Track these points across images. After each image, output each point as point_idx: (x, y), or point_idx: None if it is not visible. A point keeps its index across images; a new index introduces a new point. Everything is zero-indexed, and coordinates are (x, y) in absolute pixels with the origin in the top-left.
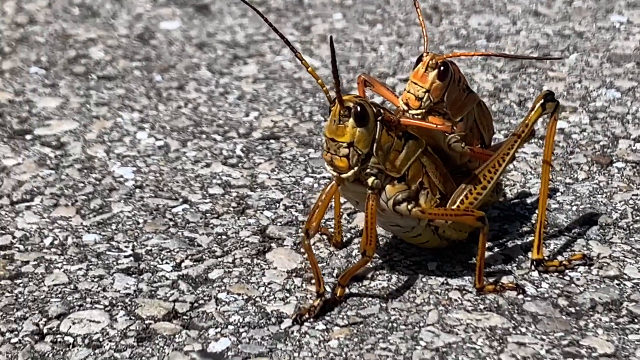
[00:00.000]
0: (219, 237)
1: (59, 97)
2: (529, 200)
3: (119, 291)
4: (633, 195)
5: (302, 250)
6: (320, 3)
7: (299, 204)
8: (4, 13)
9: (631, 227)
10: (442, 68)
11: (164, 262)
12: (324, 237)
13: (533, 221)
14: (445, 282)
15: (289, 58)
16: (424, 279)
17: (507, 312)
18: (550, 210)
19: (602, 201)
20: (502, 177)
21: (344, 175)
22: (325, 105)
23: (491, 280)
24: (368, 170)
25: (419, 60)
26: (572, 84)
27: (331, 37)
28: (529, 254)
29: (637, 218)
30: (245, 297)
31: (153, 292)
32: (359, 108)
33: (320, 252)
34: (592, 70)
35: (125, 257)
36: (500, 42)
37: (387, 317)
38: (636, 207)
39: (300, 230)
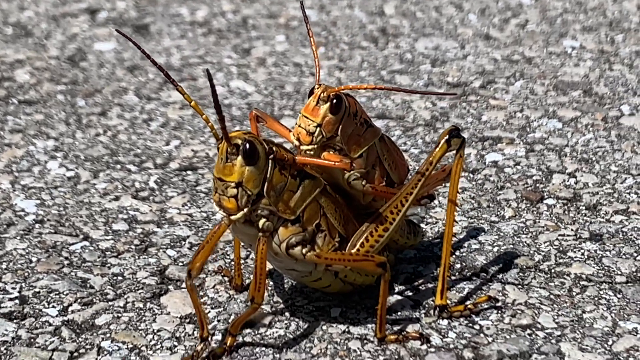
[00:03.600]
0: (114, 278)
1: None
2: None
3: None
4: (559, 235)
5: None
6: (265, 24)
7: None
8: None
9: (552, 271)
10: (334, 101)
11: (51, 305)
12: (225, 278)
13: (450, 262)
14: (346, 330)
15: (222, 82)
16: (324, 327)
17: None
18: (471, 251)
19: (526, 241)
20: (424, 216)
21: (233, 217)
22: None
23: (395, 328)
24: (259, 212)
25: (311, 92)
26: (513, 113)
27: (208, 70)
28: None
29: (560, 261)
30: (130, 345)
31: (32, 340)
32: (247, 145)
33: (219, 296)
34: (536, 99)
35: (10, 299)
36: (445, 68)
37: None
38: (560, 249)
39: (208, 272)
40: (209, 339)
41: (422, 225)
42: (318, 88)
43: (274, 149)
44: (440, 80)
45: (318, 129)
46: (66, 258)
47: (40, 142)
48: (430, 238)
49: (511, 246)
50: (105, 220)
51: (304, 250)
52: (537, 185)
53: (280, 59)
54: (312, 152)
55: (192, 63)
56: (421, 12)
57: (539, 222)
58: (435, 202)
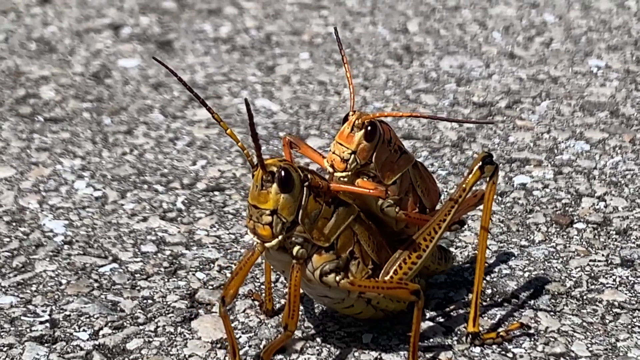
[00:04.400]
0: (145, 301)
1: (0, 140)
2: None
3: None
4: (590, 261)
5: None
6: (289, 41)
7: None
8: None
9: (584, 297)
10: (369, 128)
11: (81, 329)
12: (256, 303)
13: (481, 288)
14: (378, 357)
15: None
16: (356, 353)
17: None
18: (502, 276)
19: (557, 267)
20: (453, 240)
21: (267, 245)
22: (278, 154)
23: (428, 355)
24: (293, 239)
25: (345, 119)
26: (540, 134)
27: (246, 100)
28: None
29: (592, 287)
30: None
31: None
32: (283, 173)
33: (250, 321)
34: (563, 120)
35: (41, 323)
36: (470, 87)
37: None
38: (592, 275)
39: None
40: None
41: (452, 249)
42: (353, 115)
43: (309, 176)
44: (465, 100)
45: (352, 156)
46: (96, 280)
47: (67, 160)
48: (460, 262)
49: (542, 271)
50: (133, 241)
51: (337, 278)
52: (567, 208)
53: (305, 77)
54: (346, 179)
55: (216, 81)
56: (445, 29)
57: (569, 246)
58: (465, 226)
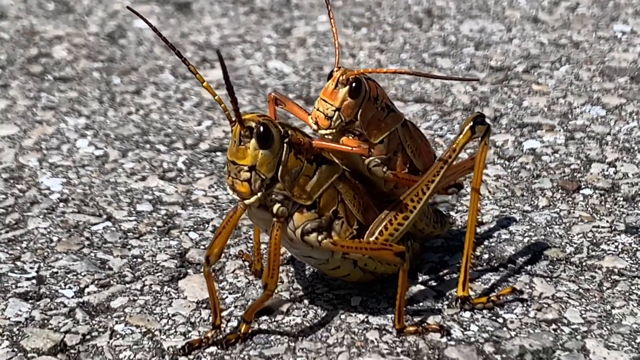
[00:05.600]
0: (134, 260)
1: (7, 98)
2: (478, 229)
3: (9, 318)
4: (594, 227)
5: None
6: (308, 4)
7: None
8: None
9: (584, 264)
10: (354, 84)
11: (67, 286)
12: (246, 263)
13: (478, 253)
14: (365, 320)
15: (260, 62)
16: (342, 316)
17: (426, 357)
18: (500, 241)
19: (558, 233)
20: (454, 204)
21: (246, 202)
22: (287, 116)
23: (416, 319)
24: (273, 197)
25: (330, 75)
26: (555, 99)
27: (218, 51)
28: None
29: (593, 253)
30: (143, 329)
31: (45, 321)
32: (261, 128)
33: (238, 281)
34: (580, 85)
35: (27, 279)
36: (489, 51)
37: (293, 358)
38: (594, 241)
39: (229, 256)
40: (222, 327)
41: (452, 213)
42: (337, 71)
43: (289, 132)
44: (482, 64)
45: (337, 113)
46: (87, 238)
47: (72, 119)
48: (460, 227)
49: (542, 237)
50: (129, 200)
51: (319, 237)
52: (575, 174)
53: (321, 39)
54: (330, 137)
55: (231, 42)
56: None
57: (573, 212)
58: (468, 189)
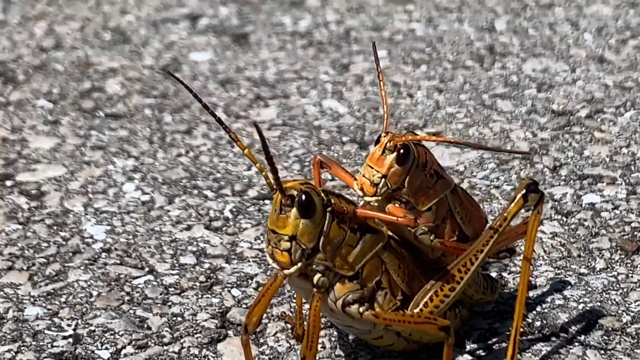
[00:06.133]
0: (174, 318)
1: (57, 136)
2: (531, 293)
3: None
4: None
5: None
6: (368, 37)
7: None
8: (32, 35)
9: None
10: (401, 151)
11: (104, 347)
12: (288, 326)
13: (529, 320)
14: None
15: (314, 101)
16: None
17: None
18: (554, 307)
19: (615, 299)
20: (507, 264)
21: (285, 272)
22: (338, 160)
23: None
24: (314, 267)
25: (377, 140)
26: (618, 149)
27: (255, 123)
28: None
29: None
30: None
31: None
32: (303, 197)
33: (279, 345)
34: None
35: (64, 338)
36: (551, 93)
37: None
38: None
39: (272, 316)
40: None
41: (504, 274)
42: (385, 136)
43: (332, 200)
44: (544, 107)
45: (383, 180)
46: (127, 293)
47: (120, 161)
48: (512, 289)
49: (598, 303)
50: (173, 252)
51: (361, 309)
52: (635, 233)
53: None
54: (376, 204)
55: (287, 79)
56: (534, 29)
57: (631, 277)
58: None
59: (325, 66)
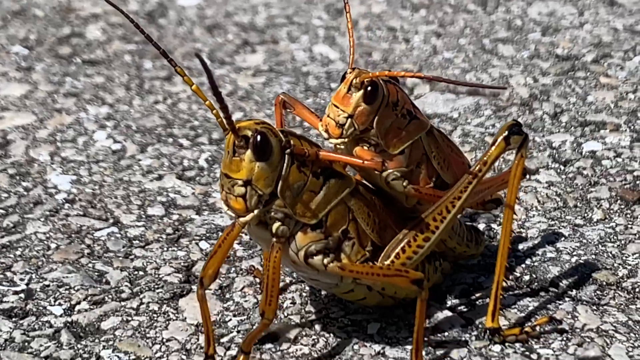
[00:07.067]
0: (135, 273)
1: (29, 83)
2: (521, 246)
3: None
4: None
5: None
6: None
7: (246, 234)
8: None
9: (636, 290)
10: (369, 88)
11: (57, 302)
12: (257, 280)
13: (517, 274)
14: (381, 351)
15: (305, 47)
16: (356, 346)
17: None
18: (545, 260)
19: (611, 252)
20: (497, 215)
21: (241, 220)
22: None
23: (438, 353)
24: (272, 214)
25: (343, 77)
26: (624, 94)
27: (197, 54)
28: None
29: None
30: (132, 357)
31: (26, 344)
32: (258, 137)
33: (245, 301)
34: None
35: (15, 293)
36: (557, 37)
37: None
38: None
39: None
40: (215, 357)
41: (494, 225)
42: (351, 72)
43: (291, 142)
44: (547, 51)
45: (349, 120)
46: (88, 246)
47: (94, 108)
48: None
49: (593, 256)
50: (141, 203)
51: (325, 260)
52: (637, 182)
53: (374, 21)
54: (342, 147)
55: (277, 24)
56: None
57: (631, 228)
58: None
59: (319, 11)
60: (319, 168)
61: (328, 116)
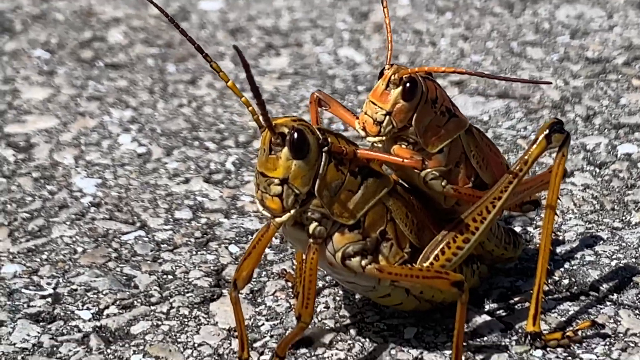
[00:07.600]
0: (164, 277)
1: (51, 87)
2: (559, 249)
3: (14, 344)
4: None
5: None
6: None
7: (276, 238)
8: None
9: None
10: (407, 85)
11: (85, 306)
12: (289, 284)
13: (557, 277)
14: (419, 356)
15: (330, 50)
16: (393, 351)
17: None
18: (584, 264)
19: None
20: (533, 218)
21: (278, 220)
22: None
23: (478, 358)
24: (309, 214)
25: (381, 74)
26: None
27: (235, 47)
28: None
29: None
30: None
31: (54, 349)
32: (295, 135)
33: (278, 305)
34: None
35: (42, 297)
36: (586, 40)
37: None
38: None
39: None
40: None
41: (530, 229)
42: (389, 69)
43: (329, 139)
44: (577, 54)
45: (387, 117)
46: (115, 250)
47: (117, 111)
48: (538, 245)
49: (633, 260)
50: (168, 206)
51: (363, 262)
52: None
53: (400, 24)
54: (380, 145)
55: (301, 27)
56: None
57: None
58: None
59: (343, 14)
60: (356, 167)
61: (365, 113)
